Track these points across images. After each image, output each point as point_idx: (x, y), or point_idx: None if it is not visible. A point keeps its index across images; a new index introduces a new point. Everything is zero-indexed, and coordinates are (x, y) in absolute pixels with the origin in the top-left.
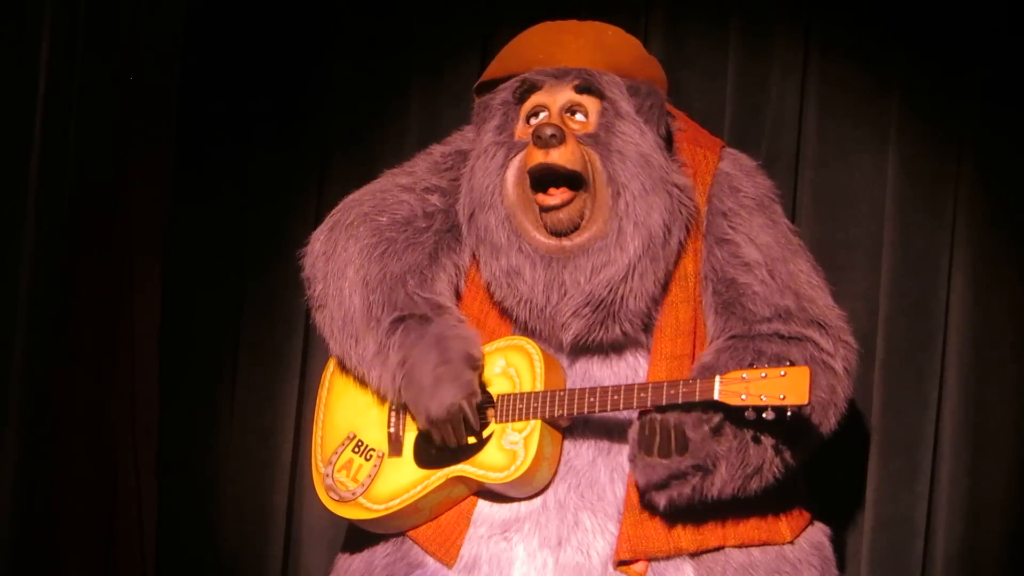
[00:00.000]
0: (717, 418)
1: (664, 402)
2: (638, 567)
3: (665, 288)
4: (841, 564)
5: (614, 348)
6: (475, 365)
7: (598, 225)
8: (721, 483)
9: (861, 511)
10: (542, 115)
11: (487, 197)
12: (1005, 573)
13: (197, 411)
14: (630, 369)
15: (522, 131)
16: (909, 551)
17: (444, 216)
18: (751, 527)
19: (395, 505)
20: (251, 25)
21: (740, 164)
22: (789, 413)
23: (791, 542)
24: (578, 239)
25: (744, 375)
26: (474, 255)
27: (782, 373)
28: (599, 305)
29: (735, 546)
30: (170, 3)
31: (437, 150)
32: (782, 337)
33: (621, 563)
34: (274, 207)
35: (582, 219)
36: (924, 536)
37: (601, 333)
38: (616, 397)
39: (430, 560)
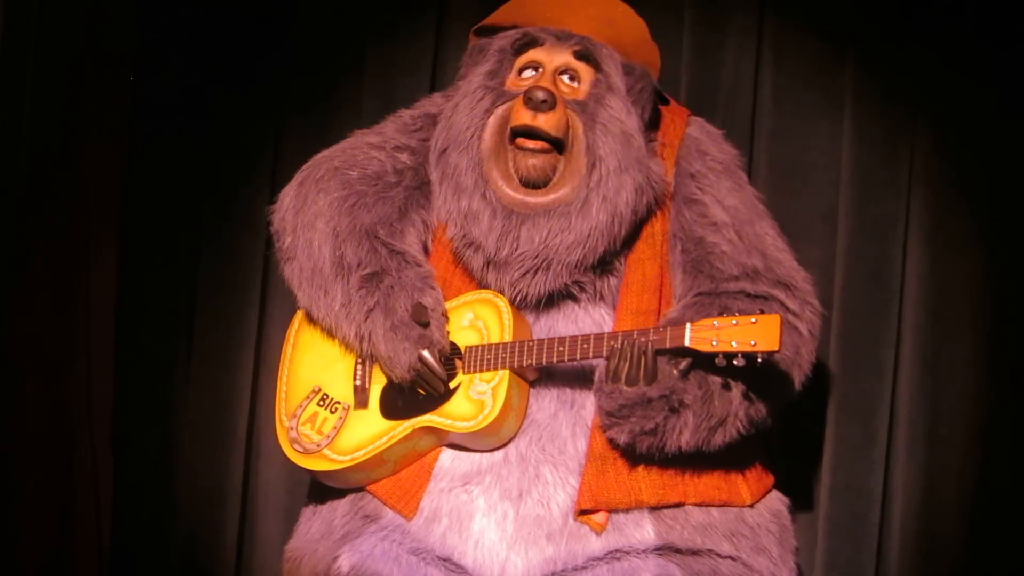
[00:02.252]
0: (685, 363)
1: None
2: (598, 517)
3: (631, 246)
4: (797, 532)
5: (577, 303)
6: (423, 316)
7: (566, 190)
8: (686, 432)
9: (817, 479)
10: (536, 72)
11: (464, 137)
12: (962, 541)
13: (153, 382)
14: (595, 325)
15: (513, 82)
16: (866, 519)
17: (414, 174)
18: (712, 486)
19: (360, 456)
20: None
21: (707, 130)
22: (760, 360)
23: (751, 506)
24: (543, 198)
25: (715, 323)
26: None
27: (753, 320)
28: (548, 266)
29: (695, 504)
30: None
31: (406, 113)
32: (748, 295)
33: (582, 512)
34: (229, 178)
35: (553, 175)
36: (880, 504)
37: (545, 288)
38: (586, 346)
39: (388, 512)
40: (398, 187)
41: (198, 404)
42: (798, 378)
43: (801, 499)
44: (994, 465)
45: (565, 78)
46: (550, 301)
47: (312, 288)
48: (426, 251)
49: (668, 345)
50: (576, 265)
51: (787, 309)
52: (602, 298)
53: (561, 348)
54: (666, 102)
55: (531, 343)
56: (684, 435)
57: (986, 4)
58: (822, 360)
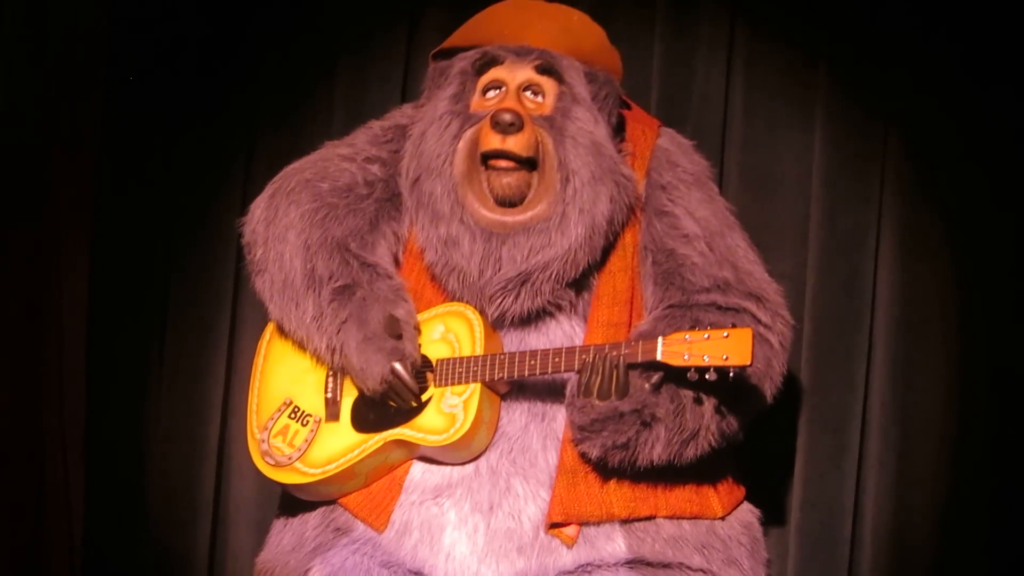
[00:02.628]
0: (657, 376)
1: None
2: (569, 530)
3: (603, 258)
4: (769, 543)
5: (549, 316)
6: (396, 329)
7: (542, 206)
8: (658, 446)
9: (789, 490)
10: (499, 91)
11: (436, 164)
12: (933, 552)
13: (125, 393)
14: (566, 338)
15: (478, 104)
16: (837, 530)
17: (384, 185)
18: (684, 499)
19: (331, 469)
20: (178, 9)
21: (677, 142)
22: (731, 374)
23: (722, 518)
24: (520, 216)
25: (687, 336)
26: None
27: (725, 334)
28: (530, 284)
29: (667, 516)
30: None
31: (376, 124)
32: (720, 308)
33: (553, 525)
34: (201, 187)
35: (528, 192)
36: (852, 516)
37: (526, 306)
38: (557, 359)
39: (360, 526)
40: (369, 199)
41: (170, 415)
42: (770, 391)
43: (773, 511)
44: (966, 476)
45: (529, 94)
46: (509, 318)
47: (283, 300)
48: (397, 263)
49: (640, 359)
50: (558, 281)
51: (758, 321)
52: (574, 310)
53: (532, 362)
54: (628, 107)
55: (502, 356)
56: (656, 449)
57: (957, 17)
58: (794, 371)
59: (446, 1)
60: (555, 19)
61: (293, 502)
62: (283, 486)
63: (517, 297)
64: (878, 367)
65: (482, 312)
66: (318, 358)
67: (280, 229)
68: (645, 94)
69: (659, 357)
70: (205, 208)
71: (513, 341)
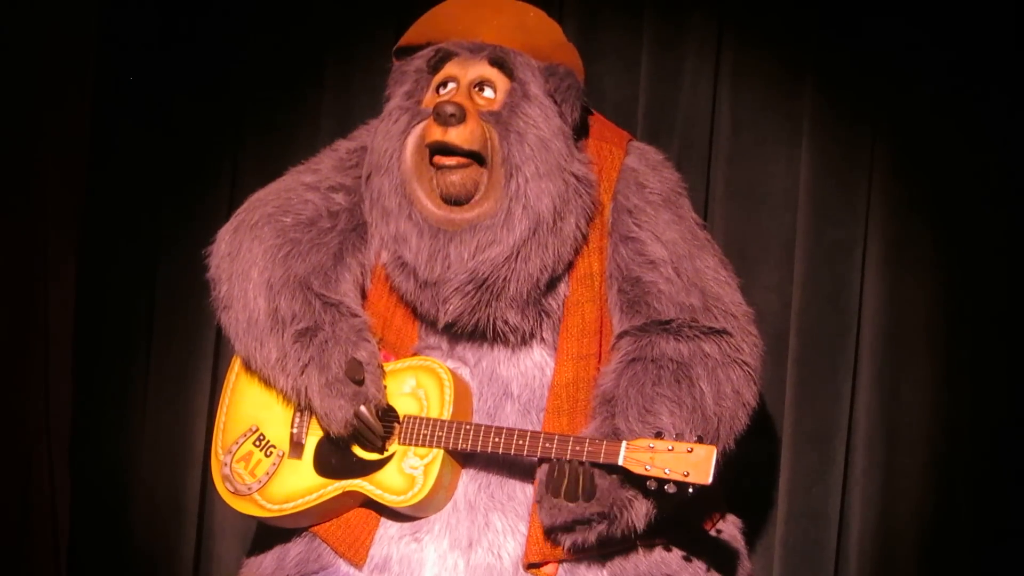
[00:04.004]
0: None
1: (568, 457)
2: (548, 569)
3: (567, 286)
4: (754, 557)
5: (521, 344)
6: (358, 373)
7: (490, 203)
8: (636, 521)
9: (774, 503)
10: (451, 86)
11: (384, 160)
12: (918, 565)
13: (110, 400)
14: (537, 369)
15: (430, 100)
16: (823, 543)
17: (349, 215)
18: (666, 527)
19: (289, 508)
20: (166, 14)
21: (646, 158)
22: (691, 491)
23: (707, 533)
24: (468, 214)
25: (651, 444)
26: (377, 254)
27: (689, 449)
28: (481, 284)
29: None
30: None
31: (343, 146)
32: (686, 337)
33: (531, 566)
34: (187, 195)
35: (476, 190)
36: (837, 528)
37: (479, 314)
38: (521, 442)
39: (341, 561)
40: (332, 232)
41: (155, 423)
42: (744, 418)
43: (759, 523)
44: (950, 490)
45: (480, 90)
46: (493, 340)
47: (248, 339)
48: (364, 293)
49: (602, 460)
50: (512, 280)
51: (727, 348)
52: (543, 341)
53: (497, 439)
54: (590, 112)
55: (468, 427)
56: (635, 523)
57: (944, 29)
58: (779, 383)
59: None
60: (510, 15)
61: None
62: (240, 514)
63: (472, 299)
64: (864, 380)
65: (435, 321)
66: (284, 398)
67: (244, 266)
68: (632, 107)
69: (620, 462)
70: (192, 214)
71: (484, 371)
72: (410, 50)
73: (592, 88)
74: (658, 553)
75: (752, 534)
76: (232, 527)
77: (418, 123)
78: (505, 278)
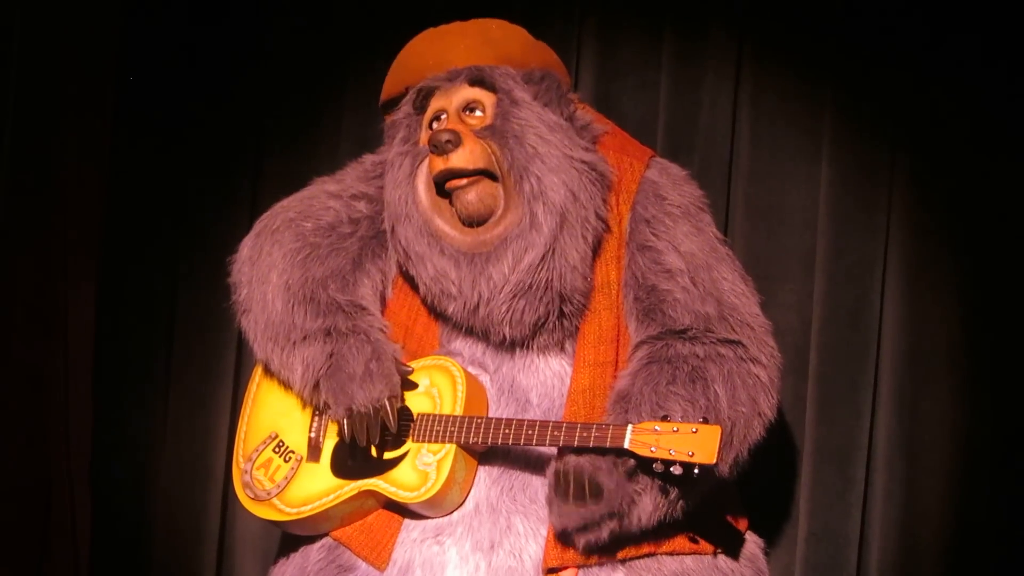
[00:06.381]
0: (632, 462)
1: (576, 444)
2: (567, 574)
3: (588, 299)
4: (775, 575)
5: (539, 354)
6: (402, 371)
7: (512, 213)
8: (644, 517)
9: (794, 522)
10: (443, 118)
11: (402, 208)
12: None
13: (131, 419)
14: (556, 377)
15: (426, 137)
16: (843, 562)
17: (370, 222)
18: (684, 537)
19: (307, 511)
20: (187, 30)
21: (668, 173)
22: (696, 471)
23: (723, 552)
24: (496, 230)
25: (657, 427)
26: (400, 265)
27: (694, 430)
28: (528, 290)
29: (667, 553)
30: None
31: (368, 159)
32: (702, 343)
33: (550, 570)
34: (208, 211)
35: (496, 205)
36: (858, 547)
37: (537, 315)
38: (531, 432)
39: (361, 564)
40: (352, 237)
41: (176, 442)
42: (759, 428)
43: (778, 542)
44: (972, 509)
45: (470, 112)
46: (511, 350)
47: (266, 341)
48: (383, 300)
49: (608, 444)
50: (555, 278)
51: (743, 358)
52: (562, 349)
53: (507, 431)
54: (576, 93)
55: (479, 421)
56: (643, 519)
57: (963, 45)
58: (799, 402)
59: None
60: (475, 35)
61: (295, 535)
62: (260, 520)
63: (524, 303)
64: (884, 399)
65: (500, 337)
66: (301, 396)
67: (263, 269)
68: (652, 125)
69: (626, 445)
70: (212, 231)
71: (504, 379)
72: (393, 102)
73: (611, 107)
74: (677, 566)
75: (773, 553)
76: (253, 545)
77: (421, 161)
78: (549, 279)
